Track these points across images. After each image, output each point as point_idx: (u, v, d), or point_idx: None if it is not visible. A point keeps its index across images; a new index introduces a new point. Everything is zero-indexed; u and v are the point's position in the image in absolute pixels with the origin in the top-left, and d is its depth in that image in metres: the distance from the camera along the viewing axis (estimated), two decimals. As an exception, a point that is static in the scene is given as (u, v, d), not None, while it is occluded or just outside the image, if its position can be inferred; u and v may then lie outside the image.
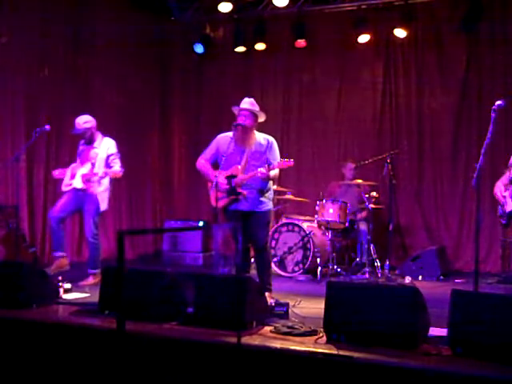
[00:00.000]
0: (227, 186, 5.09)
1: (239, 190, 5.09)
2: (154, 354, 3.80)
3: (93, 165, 6.06)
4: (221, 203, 5.13)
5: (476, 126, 7.75)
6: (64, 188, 6.19)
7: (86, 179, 5.99)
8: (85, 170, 6.09)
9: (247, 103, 5.24)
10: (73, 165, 6.28)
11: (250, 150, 5.16)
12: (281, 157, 5.24)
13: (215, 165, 5.31)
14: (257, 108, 5.26)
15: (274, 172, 5.08)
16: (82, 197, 6.09)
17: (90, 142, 6.22)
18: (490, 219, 7.07)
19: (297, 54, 8.73)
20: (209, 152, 5.37)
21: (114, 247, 8.04)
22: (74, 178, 6.14)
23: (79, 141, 6.42)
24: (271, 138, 5.27)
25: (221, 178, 5.10)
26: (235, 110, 5.29)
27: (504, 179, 6.03)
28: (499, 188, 6.03)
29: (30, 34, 7.45)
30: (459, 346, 3.42)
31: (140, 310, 4.21)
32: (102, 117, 8.53)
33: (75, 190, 6.10)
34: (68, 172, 6.23)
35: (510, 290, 6.12)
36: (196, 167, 5.44)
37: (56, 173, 6.25)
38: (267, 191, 5.23)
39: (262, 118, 5.30)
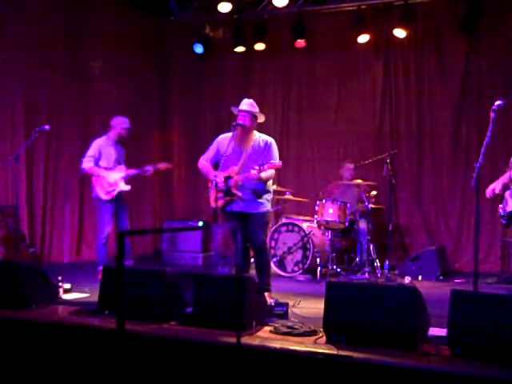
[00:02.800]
0: (224, 187, 5.11)
1: (234, 191, 5.10)
2: (153, 354, 3.80)
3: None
4: (219, 203, 5.15)
5: (476, 125, 7.74)
6: (107, 196, 6.29)
7: (128, 180, 6.37)
8: (122, 172, 6.39)
9: (246, 104, 5.25)
10: (110, 172, 6.36)
11: (248, 152, 5.17)
12: (279, 157, 5.25)
13: (216, 165, 5.32)
14: (256, 109, 5.26)
15: (266, 174, 5.02)
16: (120, 198, 6.37)
17: (124, 143, 6.64)
18: (490, 219, 7.07)
19: (296, 54, 8.73)
20: (210, 152, 5.39)
21: (114, 247, 8.03)
22: (116, 184, 6.32)
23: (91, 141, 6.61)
24: (270, 139, 5.28)
25: (220, 178, 5.11)
26: (234, 110, 5.30)
27: (504, 178, 6.01)
28: (496, 184, 6.00)
29: (29, 33, 7.46)
30: (459, 346, 3.42)
31: (140, 309, 4.21)
32: (102, 117, 8.56)
33: (118, 194, 6.32)
34: (108, 179, 6.31)
35: (510, 290, 6.12)
36: (198, 167, 5.45)
37: (111, 190, 6.35)
38: (264, 193, 5.22)
39: (261, 119, 5.31)
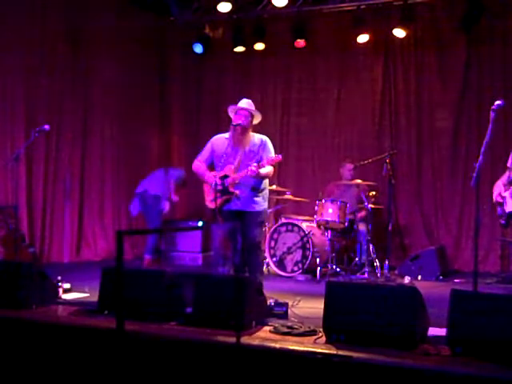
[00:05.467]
0: (220, 187, 5.11)
1: (231, 190, 5.10)
2: (153, 353, 3.80)
3: None
4: (216, 203, 5.14)
5: (475, 125, 7.74)
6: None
7: None
8: None
9: (245, 103, 5.26)
10: None
11: (244, 150, 5.18)
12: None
13: (211, 166, 5.33)
14: (254, 107, 5.28)
15: (265, 170, 5.06)
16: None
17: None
18: (490, 219, 7.07)
19: (296, 54, 8.73)
20: (204, 154, 5.39)
21: (114, 247, 8.04)
22: None
23: None
24: (265, 138, 5.30)
25: (216, 178, 5.12)
26: (232, 109, 5.29)
27: (503, 179, 6.02)
28: (499, 188, 6.02)
29: (29, 33, 7.46)
30: (458, 346, 3.42)
31: (139, 309, 4.21)
32: (102, 117, 8.58)
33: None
34: None
35: (510, 290, 6.12)
36: (192, 169, 5.45)
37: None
38: (262, 190, 5.24)
39: (257, 120, 5.31)
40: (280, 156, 5.01)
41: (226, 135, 5.29)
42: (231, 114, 5.30)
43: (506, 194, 5.90)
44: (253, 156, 5.17)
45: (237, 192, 5.10)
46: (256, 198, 5.19)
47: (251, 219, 5.16)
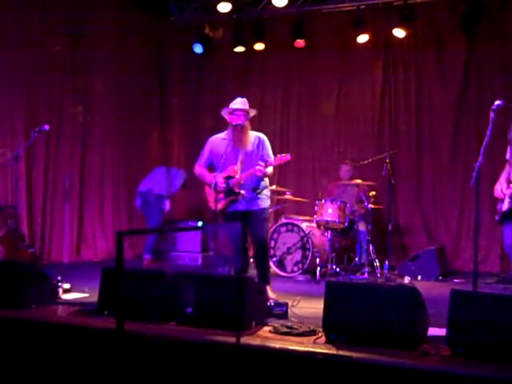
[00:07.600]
0: (225, 188, 5.09)
1: (237, 190, 5.10)
2: (153, 354, 3.80)
3: None
4: (220, 205, 5.13)
5: (475, 125, 7.74)
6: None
7: None
8: None
9: (240, 103, 5.23)
10: None
11: (245, 150, 5.17)
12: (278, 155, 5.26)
13: (211, 168, 5.32)
14: (248, 106, 5.27)
15: (271, 169, 5.13)
16: None
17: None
18: (490, 219, 7.06)
19: (296, 54, 8.73)
20: (204, 156, 5.39)
21: (113, 247, 8.04)
22: None
23: None
24: (262, 135, 5.29)
25: (219, 179, 5.10)
26: (227, 110, 5.25)
27: (505, 174, 5.96)
28: (501, 184, 5.97)
29: (29, 33, 7.46)
30: (458, 346, 3.42)
31: (139, 310, 4.21)
32: (102, 117, 8.58)
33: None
34: None
35: (510, 290, 6.12)
36: (195, 173, 5.46)
37: None
38: (264, 188, 5.25)
39: (252, 113, 5.30)
40: (289, 155, 4.98)
41: (223, 135, 5.29)
42: (226, 116, 5.28)
43: (507, 192, 5.87)
44: (253, 155, 5.16)
45: (243, 192, 5.10)
46: (260, 196, 5.22)
47: (257, 217, 5.17)
